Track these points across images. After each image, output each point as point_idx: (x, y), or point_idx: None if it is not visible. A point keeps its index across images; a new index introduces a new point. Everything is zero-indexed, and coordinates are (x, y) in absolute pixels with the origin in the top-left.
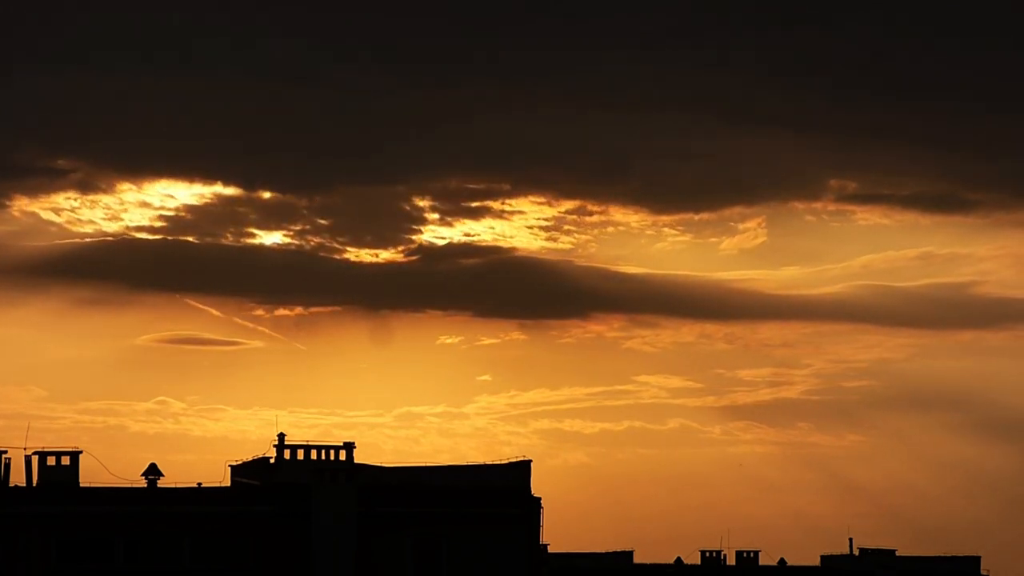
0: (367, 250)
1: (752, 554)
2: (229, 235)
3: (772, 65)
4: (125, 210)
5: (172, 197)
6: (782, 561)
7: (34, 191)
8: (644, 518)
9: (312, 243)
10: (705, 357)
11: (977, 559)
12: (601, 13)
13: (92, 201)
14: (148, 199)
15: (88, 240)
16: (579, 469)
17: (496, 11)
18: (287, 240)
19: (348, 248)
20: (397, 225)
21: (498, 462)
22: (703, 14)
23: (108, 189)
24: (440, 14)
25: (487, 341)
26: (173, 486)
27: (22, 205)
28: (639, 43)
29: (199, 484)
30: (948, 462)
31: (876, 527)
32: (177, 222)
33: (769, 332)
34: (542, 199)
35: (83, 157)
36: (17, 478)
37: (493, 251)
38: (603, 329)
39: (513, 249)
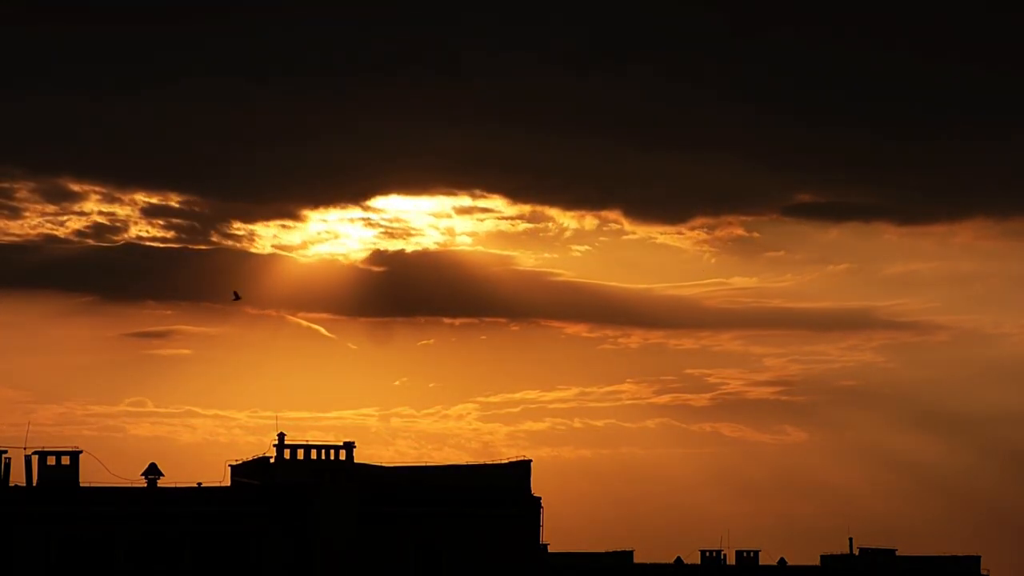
0: (360, 256)
1: (752, 554)
2: (222, 241)
3: (729, 90)
4: (124, 219)
5: (166, 208)
6: (782, 561)
7: (31, 201)
8: (644, 518)
9: (300, 249)
10: (675, 361)
11: (977, 559)
12: (579, 34)
13: (87, 210)
14: (144, 208)
15: (81, 247)
16: (569, 467)
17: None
18: (275, 247)
19: (340, 254)
20: (389, 233)
21: (498, 462)
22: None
23: (103, 200)
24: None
25: (470, 344)
26: (173, 486)
27: (20, 215)
28: (623, 69)
29: (199, 484)
30: (904, 458)
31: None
32: (175, 230)
33: (729, 338)
34: (516, 213)
35: (76, 172)
36: (17, 478)
37: (473, 260)
38: (579, 333)
39: (493, 259)
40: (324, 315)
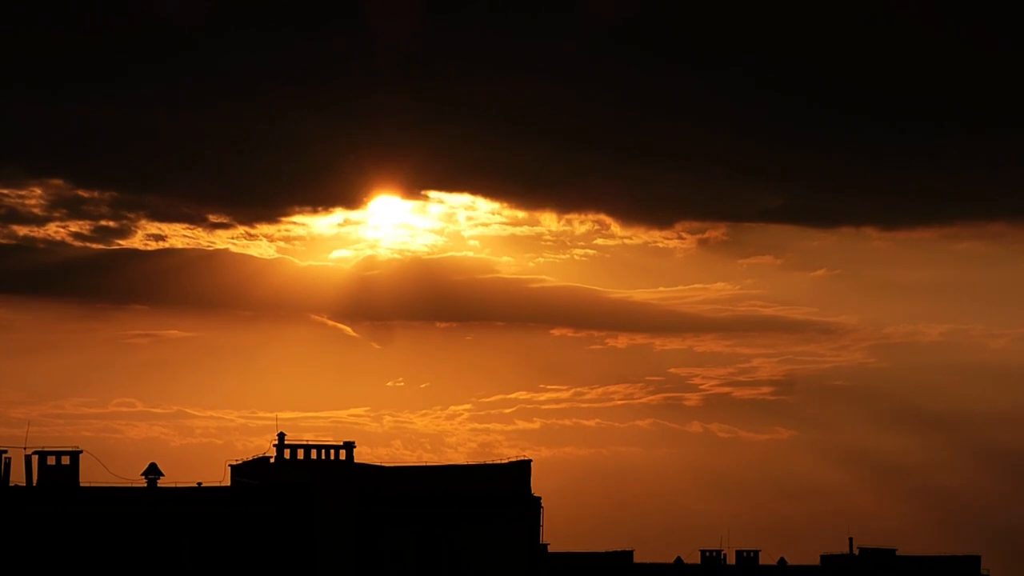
0: (357, 259)
1: (752, 554)
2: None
3: (718, 95)
4: (125, 223)
5: (168, 211)
6: (782, 561)
7: (32, 205)
8: (644, 518)
9: (299, 254)
10: (659, 362)
11: (977, 559)
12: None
13: (89, 214)
14: (143, 213)
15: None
16: (567, 467)
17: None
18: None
19: (339, 258)
20: (389, 238)
21: (498, 462)
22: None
23: (105, 204)
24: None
25: (462, 346)
26: (173, 486)
27: (21, 218)
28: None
29: (199, 484)
30: (898, 459)
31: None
32: (173, 234)
33: (714, 339)
34: (509, 218)
35: (74, 178)
36: (17, 478)
37: (465, 264)
38: (566, 335)
39: (485, 263)
40: (323, 318)
